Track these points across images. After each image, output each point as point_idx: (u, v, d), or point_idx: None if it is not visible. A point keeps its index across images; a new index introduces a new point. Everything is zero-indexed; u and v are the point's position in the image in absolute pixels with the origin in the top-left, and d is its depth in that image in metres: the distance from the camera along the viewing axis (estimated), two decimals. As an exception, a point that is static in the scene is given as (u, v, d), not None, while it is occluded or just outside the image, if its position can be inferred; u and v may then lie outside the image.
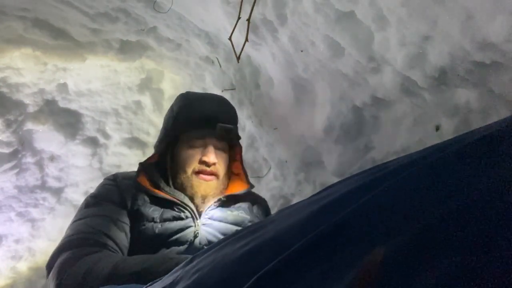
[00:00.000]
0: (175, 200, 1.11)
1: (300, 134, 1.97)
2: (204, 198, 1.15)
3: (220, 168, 1.17)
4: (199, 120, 1.14)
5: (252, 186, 1.28)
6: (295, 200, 2.24)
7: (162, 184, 1.15)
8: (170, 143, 1.20)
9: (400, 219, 0.38)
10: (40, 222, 3.08)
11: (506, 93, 1.06)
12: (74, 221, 1.05)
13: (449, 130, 1.31)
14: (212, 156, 1.13)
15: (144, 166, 1.18)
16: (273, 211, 2.29)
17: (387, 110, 1.57)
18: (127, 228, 1.06)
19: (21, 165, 3.01)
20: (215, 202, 1.17)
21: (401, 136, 1.53)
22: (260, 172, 2.59)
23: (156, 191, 1.12)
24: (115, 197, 1.10)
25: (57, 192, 3.19)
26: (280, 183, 2.35)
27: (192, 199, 1.14)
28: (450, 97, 1.25)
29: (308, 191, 2.10)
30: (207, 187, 1.15)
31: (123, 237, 1.04)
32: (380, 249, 0.35)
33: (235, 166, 1.30)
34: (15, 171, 2.97)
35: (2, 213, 2.93)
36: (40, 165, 3.12)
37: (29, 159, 3.05)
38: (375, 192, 0.41)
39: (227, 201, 1.20)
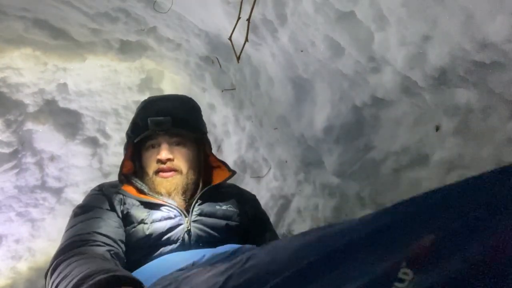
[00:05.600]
0: (161, 202, 1.14)
1: (300, 134, 1.96)
2: (169, 195, 1.16)
3: (180, 163, 1.18)
4: (150, 121, 1.14)
5: (234, 172, 1.29)
6: (295, 200, 2.24)
7: (146, 189, 1.17)
8: (136, 147, 1.22)
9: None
10: (40, 222, 3.08)
11: (506, 93, 1.06)
12: (65, 231, 1.08)
13: (449, 130, 1.31)
14: (164, 153, 1.14)
15: (125, 177, 1.20)
16: (273, 211, 2.30)
17: (387, 110, 1.57)
18: (121, 222, 1.08)
19: (21, 165, 3.00)
20: (200, 196, 1.18)
21: (401, 136, 1.52)
22: (260, 172, 2.59)
23: (143, 196, 1.15)
24: (103, 204, 1.12)
25: (57, 192, 3.18)
26: (280, 183, 2.35)
27: (168, 197, 1.16)
28: (450, 97, 1.25)
29: (308, 191, 2.10)
30: (168, 184, 1.16)
31: (116, 231, 1.05)
32: (430, 235, 0.40)
33: (212, 160, 1.31)
34: (15, 171, 2.97)
35: (2, 213, 2.92)
36: (40, 165, 3.11)
37: (29, 159, 3.04)
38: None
39: (214, 194, 1.22)
